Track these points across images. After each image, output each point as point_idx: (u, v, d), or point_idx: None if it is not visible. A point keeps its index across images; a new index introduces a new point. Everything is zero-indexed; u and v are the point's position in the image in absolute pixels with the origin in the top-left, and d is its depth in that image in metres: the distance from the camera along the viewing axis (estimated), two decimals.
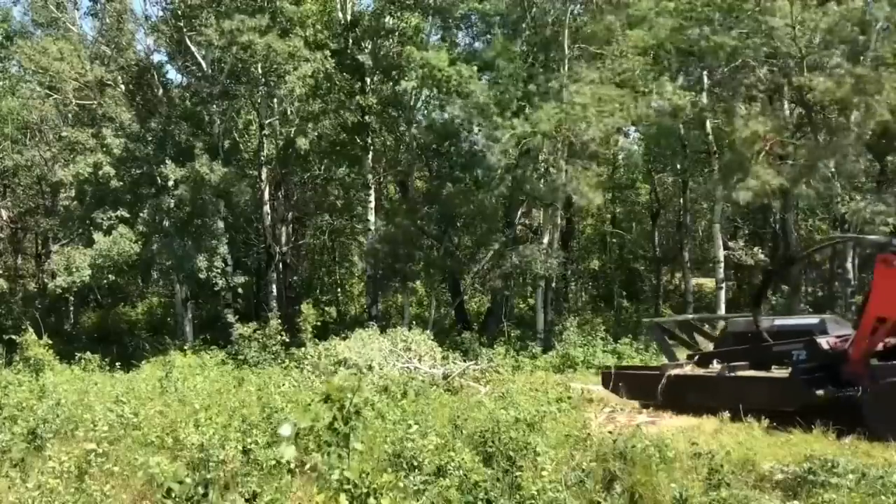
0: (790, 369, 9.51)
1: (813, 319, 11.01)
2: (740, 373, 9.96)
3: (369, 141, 23.82)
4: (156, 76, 25.83)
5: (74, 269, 21.05)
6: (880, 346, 9.18)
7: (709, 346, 11.64)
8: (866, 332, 9.09)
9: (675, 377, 10.55)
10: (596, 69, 20.44)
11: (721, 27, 18.12)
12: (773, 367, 9.94)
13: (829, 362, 9.38)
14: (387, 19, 21.83)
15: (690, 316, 13.36)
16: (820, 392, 9.00)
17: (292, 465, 5.86)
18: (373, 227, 24.20)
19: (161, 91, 25.81)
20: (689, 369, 10.89)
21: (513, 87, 21.20)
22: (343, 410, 3.97)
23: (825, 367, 9.36)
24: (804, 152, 17.65)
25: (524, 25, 22.83)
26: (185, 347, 19.75)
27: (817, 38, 17.43)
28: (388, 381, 10.41)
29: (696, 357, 11.24)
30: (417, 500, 5.76)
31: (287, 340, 18.05)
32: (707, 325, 12.90)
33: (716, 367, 10.52)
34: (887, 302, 8.83)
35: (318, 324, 18.47)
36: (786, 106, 20.25)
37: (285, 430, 3.84)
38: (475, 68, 20.82)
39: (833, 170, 17.23)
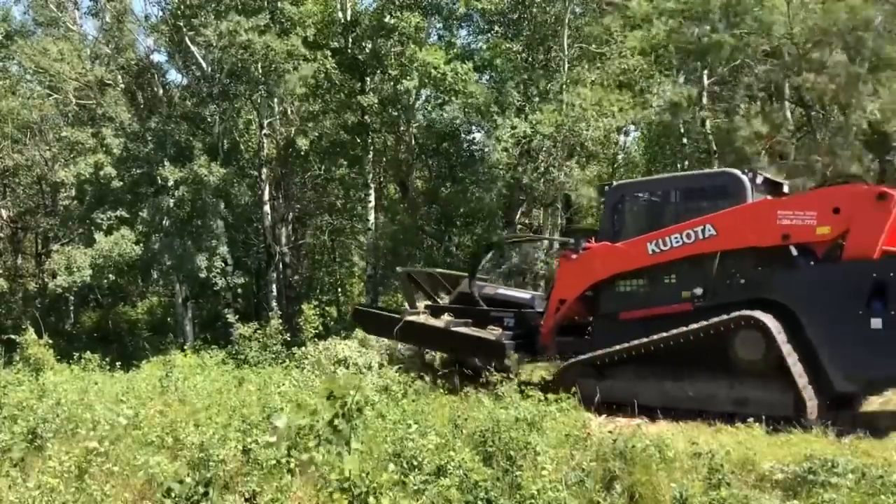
0: (500, 333, 11.53)
1: (527, 295, 13.09)
2: (461, 328, 11.80)
3: (369, 141, 23.82)
4: (156, 76, 25.83)
5: (75, 269, 21.04)
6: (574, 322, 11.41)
7: (444, 298, 13.37)
8: (552, 310, 11.27)
9: (409, 322, 12.25)
10: (596, 69, 20.47)
11: (720, 24, 18.11)
12: (489, 327, 11.76)
13: (529, 333, 11.47)
14: (387, 19, 21.80)
15: (437, 270, 15.13)
16: (515, 355, 11.11)
17: (292, 465, 5.88)
18: (372, 227, 24.21)
19: (161, 91, 25.81)
20: (423, 318, 12.41)
21: (512, 87, 21.21)
22: (345, 408, 3.98)
23: (526, 335, 11.47)
24: (803, 152, 17.66)
25: (524, 25, 22.84)
26: (186, 347, 19.75)
27: (816, 36, 17.44)
28: (389, 381, 10.41)
29: (431, 308, 12.84)
30: (417, 500, 5.76)
31: (287, 340, 18.05)
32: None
33: (445, 319, 12.24)
34: (566, 287, 11.16)
35: (319, 324, 18.48)
36: (786, 106, 20.25)
37: (280, 421, 3.85)
38: (471, 66, 20.82)
39: (832, 170, 17.22)
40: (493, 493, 5.77)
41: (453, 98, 21.16)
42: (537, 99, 21.16)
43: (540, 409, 8.14)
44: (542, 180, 21.26)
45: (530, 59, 22.85)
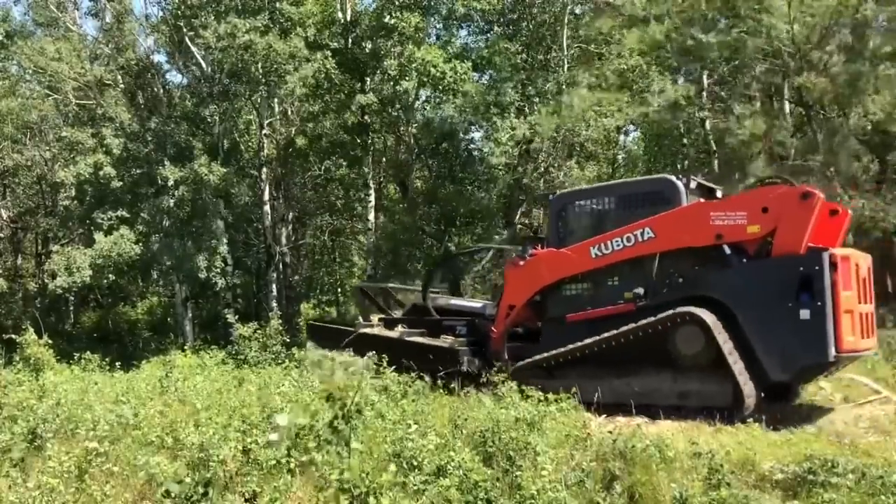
0: (452, 341, 12.04)
1: (478, 304, 13.59)
2: (415, 338, 12.25)
3: (369, 141, 23.82)
4: (156, 76, 25.83)
5: (75, 269, 21.04)
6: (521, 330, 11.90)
7: (397, 313, 13.83)
8: (502, 316, 11.72)
9: (362, 334, 12.58)
10: (595, 69, 20.46)
11: (720, 22, 18.12)
12: (442, 336, 12.26)
13: (480, 339, 11.98)
14: (387, 19, 21.81)
15: (390, 285, 15.66)
16: (469, 360, 11.58)
17: (292, 465, 5.87)
18: (372, 227, 24.22)
19: (161, 91, 25.81)
20: (377, 329, 12.83)
21: (511, 87, 21.22)
22: (344, 409, 3.97)
23: (479, 342, 11.96)
24: (803, 152, 17.66)
25: (523, 25, 22.86)
26: (186, 347, 19.76)
27: (815, 35, 17.44)
28: (389, 381, 10.42)
29: (385, 320, 13.26)
30: (417, 500, 5.76)
31: (287, 340, 18.05)
32: (402, 295, 14.90)
33: (399, 330, 12.67)
34: (514, 293, 11.62)
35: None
36: (786, 106, 20.25)
37: (281, 419, 3.85)
38: (470, 65, 20.82)
39: (832, 170, 17.22)
40: (492, 493, 5.76)
41: (451, 98, 21.17)
42: (537, 99, 21.17)
43: (540, 410, 8.14)
44: (542, 180, 21.28)
45: (529, 59, 22.87)
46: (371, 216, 24.32)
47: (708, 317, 9.68)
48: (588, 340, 10.49)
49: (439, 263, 16.77)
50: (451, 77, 20.24)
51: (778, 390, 10.29)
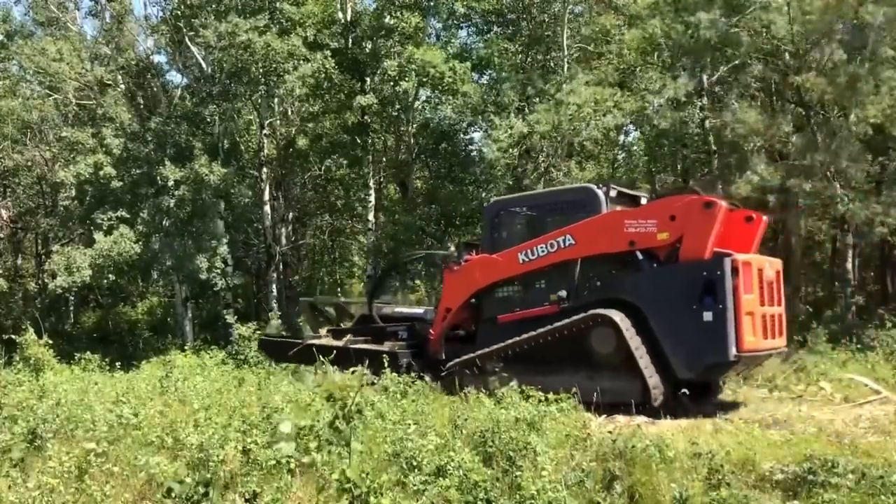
0: (393, 344, 12.70)
1: (420, 310, 14.38)
2: (359, 345, 12.87)
3: (369, 141, 23.82)
4: (156, 76, 25.83)
5: (75, 269, 21.04)
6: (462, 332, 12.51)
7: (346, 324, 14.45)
8: (440, 319, 12.35)
9: (309, 345, 13.08)
10: (595, 69, 20.47)
11: (719, 19, 18.12)
12: (386, 343, 12.86)
13: (421, 342, 12.60)
14: (387, 19, 21.82)
15: (341, 299, 16.54)
16: (409, 362, 12.12)
17: (292, 465, 5.88)
18: (372, 227, 24.22)
19: (161, 91, 25.81)
20: (324, 340, 13.48)
21: (510, 87, 21.22)
22: (345, 409, 3.98)
23: (419, 345, 12.60)
24: (803, 152, 17.66)
25: (523, 25, 22.86)
26: (186, 347, 19.76)
27: (815, 35, 17.45)
28: (389, 381, 10.44)
29: (332, 331, 14.00)
30: (417, 500, 5.76)
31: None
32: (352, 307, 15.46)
33: (345, 339, 13.28)
34: (451, 296, 12.27)
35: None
36: (786, 106, 20.26)
37: (285, 426, 3.85)
38: (469, 66, 20.82)
39: (832, 170, 17.23)
40: (492, 493, 5.76)
41: (450, 98, 21.18)
42: (537, 99, 21.17)
43: (539, 410, 8.15)
44: (542, 180, 21.28)
45: (529, 59, 22.87)
46: (371, 216, 24.33)
47: (619, 318, 10.28)
48: (513, 339, 11.11)
49: (384, 272, 17.67)
50: (450, 77, 20.25)
51: (699, 386, 10.80)
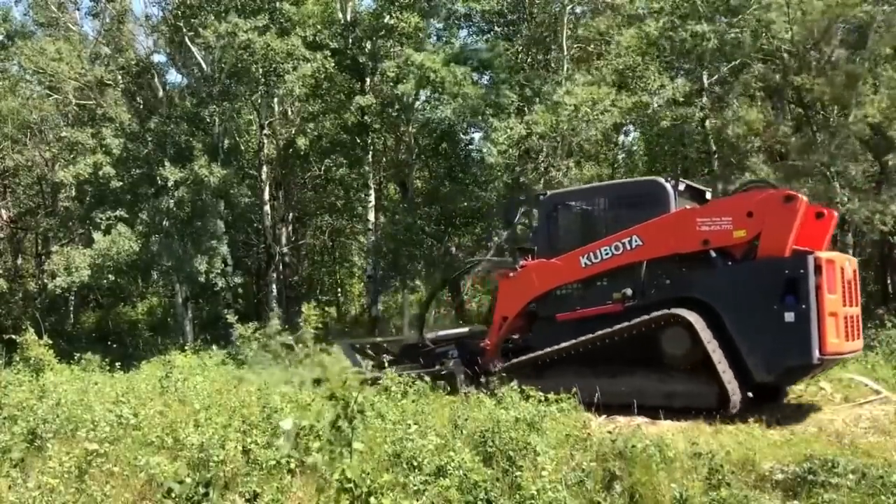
0: (446, 364, 12.16)
1: (464, 329, 14.25)
2: (410, 371, 11.95)
3: (369, 141, 23.81)
4: (156, 76, 25.82)
5: (74, 269, 21.03)
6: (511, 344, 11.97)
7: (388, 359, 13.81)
8: (496, 328, 11.89)
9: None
10: (595, 69, 20.47)
11: (718, 18, 18.16)
12: (437, 365, 12.32)
13: (474, 357, 11.99)
14: (387, 19, 21.80)
15: (379, 339, 15.84)
16: (466, 378, 11.59)
17: (292, 465, 5.88)
18: (372, 227, 24.22)
19: (161, 91, 25.81)
20: (371, 375, 12.92)
21: (509, 88, 21.22)
22: (347, 409, 3.97)
23: (472, 360, 11.94)
24: (803, 152, 17.68)
25: (523, 25, 22.86)
26: (186, 347, 19.73)
27: (815, 35, 17.47)
28: (389, 381, 10.43)
29: (379, 366, 13.22)
30: (417, 500, 5.76)
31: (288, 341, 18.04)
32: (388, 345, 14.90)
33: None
34: (507, 304, 11.78)
35: (319, 324, 18.45)
36: (786, 107, 20.28)
37: (286, 424, 3.85)
38: (468, 68, 20.81)
39: (831, 170, 17.24)
40: (492, 493, 5.76)
41: (449, 100, 21.16)
42: (537, 100, 21.17)
43: (540, 410, 8.14)
44: (542, 181, 21.27)
45: (529, 59, 22.87)
46: (371, 216, 24.31)
47: (694, 318, 9.77)
48: (576, 340, 10.58)
49: (431, 294, 17.21)
50: (449, 80, 20.22)
51: (767, 390, 10.41)
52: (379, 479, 4.19)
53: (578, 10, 23.77)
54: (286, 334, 17.88)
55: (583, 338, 10.53)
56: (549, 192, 12.49)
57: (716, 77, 21.40)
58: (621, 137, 26.07)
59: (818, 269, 9.44)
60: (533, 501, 5.68)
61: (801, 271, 9.45)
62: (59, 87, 25.73)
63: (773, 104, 21.45)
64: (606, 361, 10.36)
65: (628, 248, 10.55)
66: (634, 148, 29.10)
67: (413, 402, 9.25)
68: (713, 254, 10.20)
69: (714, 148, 21.35)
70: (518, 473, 6.30)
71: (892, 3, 17.25)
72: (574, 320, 10.92)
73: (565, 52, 21.53)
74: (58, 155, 27.46)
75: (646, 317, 10.09)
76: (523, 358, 11.13)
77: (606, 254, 10.71)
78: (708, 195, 11.73)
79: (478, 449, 7.01)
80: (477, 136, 24.86)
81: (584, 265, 10.92)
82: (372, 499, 4.00)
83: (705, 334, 9.70)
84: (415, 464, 6.37)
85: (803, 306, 9.39)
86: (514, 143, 19.97)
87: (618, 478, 6.59)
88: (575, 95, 18.96)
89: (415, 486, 5.93)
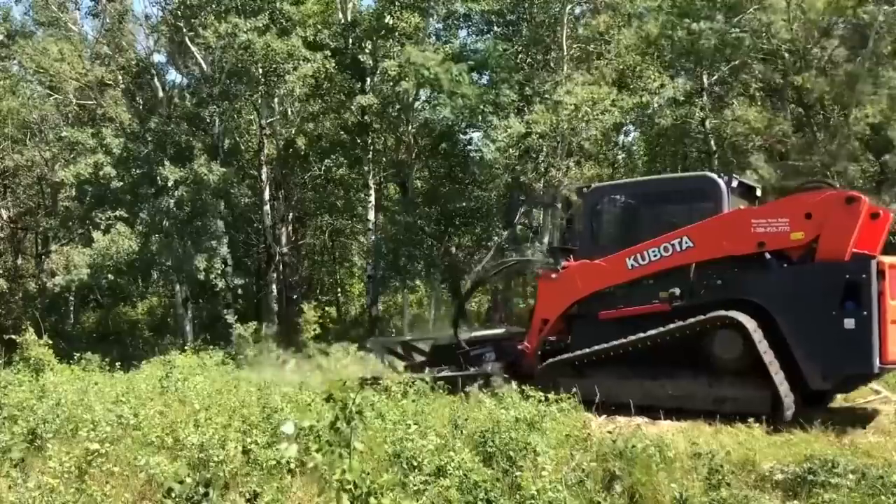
0: (482, 366, 11.85)
1: (500, 330, 14.00)
2: (445, 374, 11.80)
3: (369, 141, 23.82)
4: (156, 76, 25.83)
5: (73, 269, 21.04)
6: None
7: (420, 359, 13.62)
8: (536, 331, 11.42)
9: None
10: (595, 69, 20.46)
11: (718, 17, 18.17)
12: (472, 368, 12.00)
13: (512, 360, 11.72)
14: (387, 19, 21.80)
15: (408, 337, 15.57)
16: (505, 380, 10.84)
17: (292, 466, 5.88)
18: (372, 227, 24.22)
19: (161, 91, 25.81)
20: (406, 376, 12.48)
21: (508, 87, 21.21)
22: (346, 410, 3.97)
23: (511, 362, 11.66)
24: (802, 152, 17.69)
25: (523, 25, 22.86)
26: (186, 348, 19.73)
27: (814, 35, 17.48)
28: (389, 382, 10.44)
29: (411, 366, 13.04)
30: (417, 501, 5.76)
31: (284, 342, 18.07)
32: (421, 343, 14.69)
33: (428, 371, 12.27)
34: (548, 306, 11.30)
35: (319, 324, 18.48)
36: (787, 106, 20.28)
37: (288, 427, 3.84)
38: (466, 68, 20.81)
39: (831, 170, 17.24)
40: (493, 493, 5.76)
41: (448, 99, 21.17)
42: (537, 99, 21.17)
43: (540, 410, 8.14)
44: (542, 180, 21.28)
45: (529, 59, 22.87)
46: (371, 216, 24.31)
47: (748, 322, 9.35)
48: (622, 340, 10.09)
49: (466, 294, 16.60)
50: (446, 79, 20.22)
51: (814, 396, 9.93)
52: (379, 479, 4.19)
53: (578, 10, 23.77)
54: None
55: (631, 337, 10.04)
56: (593, 185, 11.91)
57: (716, 77, 21.40)
58: (621, 137, 26.06)
59: (881, 273, 9.00)
60: (533, 501, 5.68)
61: (864, 276, 9.00)
62: (59, 87, 25.74)
63: (773, 104, 21.44)
64: (652, 363, 9.93)
65: (678, 249, 10.08)
66: (634, 148, 29.10)
67: (413, 402, 9.25)
68: (768, 255, 9.76)
69: (714, 148, 21.36)
70: (518, 473, 6.31)
71: (892, 3, 17.25)
72: (617, 319, 10.47)
73: (565, 52, 21.52)
74: (58, 155, 27.43)
75: (700, 317, 9.63)
76: (562, 357, 10.70)
77: (654, 255, 10.23)
78: (758, 191, 11.29)
79: (478, 449, 7.01)
80: (476, 135, 24.89)
81: (630, 267, 10.43)
82: (372, 499, 4.00)
83: (759, 339, 9.29)
84: (415, 464, 6.37)
85: (864, 312, 8.94)
86: (514, 143, 19.96)
87: (618, 478, 6.60)
88: (575, 95, 18.95)
89: (415, 486, 5.94)
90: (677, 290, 10.09)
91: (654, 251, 10.22)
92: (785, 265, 9.73)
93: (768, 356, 9.25)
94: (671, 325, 9.79)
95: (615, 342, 10.14)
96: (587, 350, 10.43)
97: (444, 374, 11.71)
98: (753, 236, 9.64)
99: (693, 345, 9.71)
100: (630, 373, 10.04)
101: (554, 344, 11.34)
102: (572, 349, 10.75)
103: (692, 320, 9.66)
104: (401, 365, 13.40)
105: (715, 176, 10.53)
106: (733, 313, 9.46)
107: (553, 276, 11.17)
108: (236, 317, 21.41)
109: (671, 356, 9.80)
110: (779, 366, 9.28)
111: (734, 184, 10.39)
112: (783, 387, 9.19)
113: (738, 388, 9.46)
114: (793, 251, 9.68)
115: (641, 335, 9.96)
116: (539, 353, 11.28)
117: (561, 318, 11.20)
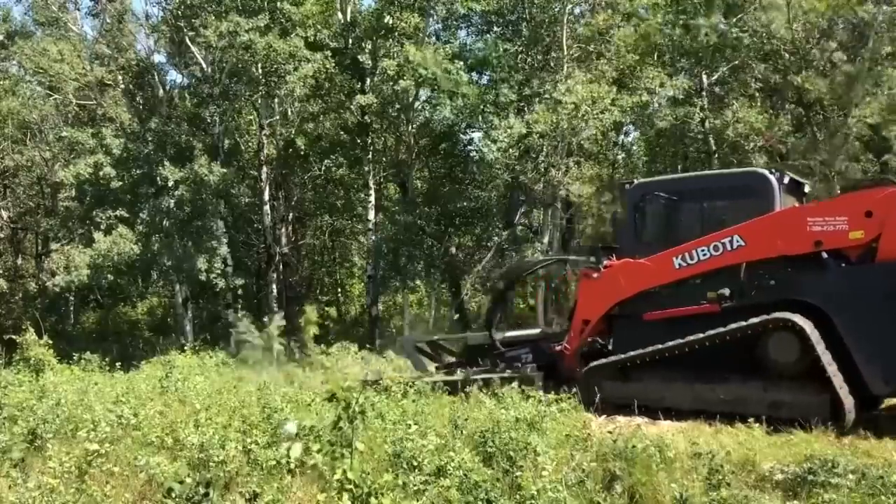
0: (517, 367, 11.47)
1: (536, 330, 13.77)
2: (480, 375, 11.42)
3: (369, 141, 23.82)
4: (156, 76, 25.83)
5: (73, 269, 21.04)
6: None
7: (450, 359, 13.39)
8: (577, 332, 11.04)
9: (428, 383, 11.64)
10: (595, 69, 20.46)
11: (718, 23, 18.18)
12: (508, 369, 11.55)
13: (549, 362, 11.38)
14: (387, 19, 21.80)
15: (436, 337, 15.11)
16: (544, 384, 10.67)
17: (293, 466, 5.88)
18: (372, 227, 24.22)
19: (161, 91, 25.82)
20: (438, 376, 12.29)
21: (507, 87, 21.22)
22: (348, 410, 3.98)
23: (549, 364, 11.32)
24: (802, 152, 17.70)
25: (523, 25, 22.87)
26: (186, 348, 19.74)
27: (814, 34, 17.49)
28: (389, 382, 10.44)
29: (443, 367, 12.91)
30: (417, 501, 5.76)
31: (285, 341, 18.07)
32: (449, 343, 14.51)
33: (460, 372, 12.06)
34: (589, 307, 10.91)
35: (319, 324, 18.49)
36: (787, 106, 20.29)
37: (291, 427, 3.85)
38: (463, 66, 20.82)
39: (831, 170, 17.26)
40: (493, 493, 5.76)
41: (447, 99, 21.19)
42: (536, 99, 21.18)
43: (540, 410, 8.14)
44: (542, 180, 21.27)
45: (529, 59, 22.87)
46: (371, 216, 24.32)
47: (806, 324, 9.00)
48: (672, 342, 9.70)
49: (501, 293, 15.98)
50: (444, 77, 20.23)
51: (866, 400, 9.55)
52: (379, 479, 4.19)
53: (577, 10, 23.78)
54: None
55: (682, 339, 9.62)
56: (636, 181, 11.52)
57: (716, 77, 21.40)
58: (621, 137, 26.06)
59: None
60: (533, 501, 5.68)
61: None
62: (59, 87, 25.72)
63: (773, 104, 21.45)
64: (703, 366, 9.55)
65: (728, 248, 9.67)
66: (634, 148, 29.11)
67: (413, 402, 9.25)
68: (825, 255, 9.38)
69: (714, 148, 21.35)
70: (518, 473, 6.30)
71: (892, 3, 17.26)
72: (663, 320, 10.05)
73: (565, 52, 21.52)
74: (58, 155, 27.44)
75: (753, 320, 9.25)
76: (606, 360, 10.31)
77: (704, 255, 9.82)
78: (807, 188, 10.98)
79: (478, 449, 7.01)
80: (476, 135, 24.89)
81: (677, 266, 10.03)
82: (372, 499, 4.00)
83: (817, 342, 8.95)
84: (415, 464, 6.37)
85: None
86: (515, 143, 19.96)
87: (618, 478, 6.59)
88: (575, 93, 18.94)
89: (415, 486, 5.94)
90: (727, 291, 9.74)
91: (703, 250, 9.85)
92: (843, 265, 9.39)
93: (827, 361, 8.94)
94: (725, 327, 9.41)
95: (670, 343, 9.75)
96: (638, 352, 10.03)
97: (481, 376, 11.33)
98: (810, 235, 9.28)
99: (747, 347, 9.38)
100: (678, 376, 9.72)
101: (591, 344, 11.03)
102: (614, 351, 10.45)
103: (748, 322, 9.29)
104: (431, 365, 13.13)
105: (766, 172, 10.19)
106: (791, 315, 9.13)
107: (595, 275, 10.78)
108: (236, 315, 21.37)
109: (722, 359, 9.46)
110: (838, 370, 8.97)
111: (785, 180, 10.10)
112: (843, 391, 8.88)
113: (795, 393, 9.11)
114: (851, 251, 9.32)
115: (693, 337, 9.59)
116: (580, 354, 10.94)
117: (602, 318, 10.84)
